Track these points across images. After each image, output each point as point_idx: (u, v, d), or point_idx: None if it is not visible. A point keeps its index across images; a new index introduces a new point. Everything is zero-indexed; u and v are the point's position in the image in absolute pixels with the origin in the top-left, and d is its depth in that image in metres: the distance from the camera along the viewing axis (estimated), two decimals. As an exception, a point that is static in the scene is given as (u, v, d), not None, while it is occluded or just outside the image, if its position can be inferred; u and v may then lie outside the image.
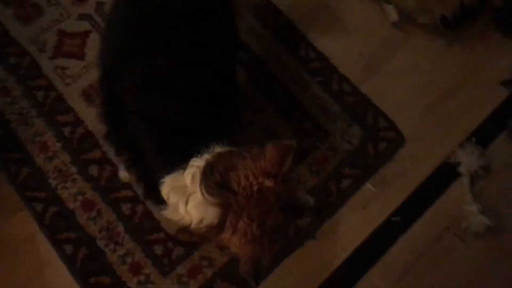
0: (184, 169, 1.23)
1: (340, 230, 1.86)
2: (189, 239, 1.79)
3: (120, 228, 1.79)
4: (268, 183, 1.17)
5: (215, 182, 1.19)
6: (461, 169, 1.92)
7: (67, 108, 1.93)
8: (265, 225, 1.16)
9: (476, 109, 2.04)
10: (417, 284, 1.81)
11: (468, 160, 1.91)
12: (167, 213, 1.31)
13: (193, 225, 1.23)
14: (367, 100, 2.02)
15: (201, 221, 1.20)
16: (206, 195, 1.17)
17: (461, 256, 1.85)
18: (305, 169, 1.90)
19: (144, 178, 1.40)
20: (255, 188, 1.17)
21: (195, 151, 1.24)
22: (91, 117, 1.89)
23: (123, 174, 1.78)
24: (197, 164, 1.22)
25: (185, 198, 1.22)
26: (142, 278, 1.74)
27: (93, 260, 1.75)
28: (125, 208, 1.82)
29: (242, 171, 1.19)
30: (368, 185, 1.91)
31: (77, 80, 1.98)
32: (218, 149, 1.25)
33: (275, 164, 1.18)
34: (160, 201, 1.31)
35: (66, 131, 1.90)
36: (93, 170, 1.86)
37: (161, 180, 1.26)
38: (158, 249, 1.78)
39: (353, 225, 1.87)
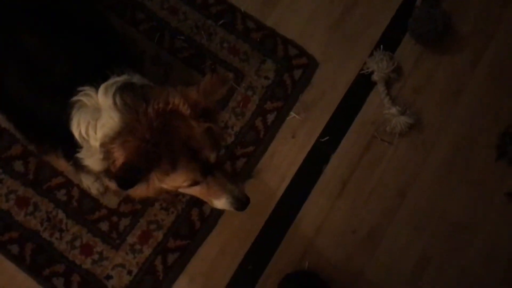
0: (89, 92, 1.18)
1: (275, 163, 1.91)
2: (131, 208, 1.80)
3: (61, 215, 1.78)
4: (184, 110, 1.12)
5: (135, 93, 1.16)
6: (375, 77, 1.99)
7: (-27, 111, 1.85)
8: (161, 143, 1.10)
9: (376, 19, 2.10)
10: (358, 192, 1.91)
11: (380, 67, 1.97)
12: (83, 157, 1.21)
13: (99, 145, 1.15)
14: (273, 32, 2.04)
15: (106, 136, 1.13)
16: (118, 98, 1.13)
17: (392, 157, 1.95)
18: (229, 114, 1.92)
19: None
20: (169, 107, 1.12)
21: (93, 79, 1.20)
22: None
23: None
24: (110, 82, 1.18)
25: (94, 121, 1.15)
26: (95, 257, 1.76)
27: (42, 253, 1.75)
28: (61, 194, 1.80)
29: (165, 92, 1.15)
30: (292, 114, 1.96)
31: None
32: (126, 76, 1.22)
33: (203, 94, 1.15)
34: (69, 154, 1.28)
35: (-21, 134, 1.84)
36: (18, 166, 1.81)
37: (70, 118, 1.19)
38: (104, 226, 1.78)
39: (286, 155, 1.92)
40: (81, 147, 1.19)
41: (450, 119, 2.02)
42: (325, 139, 1.94)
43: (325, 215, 1.88)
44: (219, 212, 1.82)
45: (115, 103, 1.13)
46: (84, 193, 1.80)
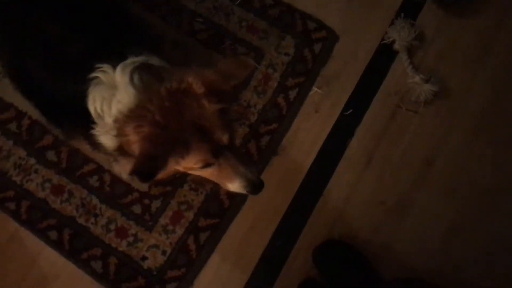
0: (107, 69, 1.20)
1: (300, 139, 1.92)
2: (162, 190, 1.84)
3: (95, 201, 1.84)
4: (197, 88, 1.12)
5: (152, 73, 1.17)
6: (397, 46, 1.96)
7: (5, 105, 1.92)
8: (172, 123, 1.09)
9: (395, -14, 2.05)
10: (384, 164, 1.90)
11: (401, 36, 1.94)
12: (98, 134, 1.23)
13: (111, 122, 1.16)
14: (290, 7, 2.02)
15: (119, 112, 1.14)
16: (136, 76, 1.15)
17: (417, 126, 1.93)
18: (251, 93, 1.93)
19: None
20: (183, 86, 1.12)
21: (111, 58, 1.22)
22: (31, 106, 1.88)
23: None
24: (128, 61, 1.20)
25: (109, 97, 1.17)
26: (130, 239, 1.81)
27: (80, 238, 1.82)
28: (93, 181, 1.86)
29: (180, 72, 1.16)
30: (315, 88, 1.95)
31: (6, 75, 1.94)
32: (144, 57, 1.24)
33: (221, 76, 1.14)
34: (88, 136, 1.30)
35: (13, 126, 1.90)
36: (51, 155, 1.88)
37: (86, 94, 1.21)
38: (137, 209, 1.84)
39: (310, 130, 1.93)
40: (96, 124, 1.21)
41: (476, 83, 1.98)
42: (349, 112, 1.94)
43: (352, 187, 1.88)
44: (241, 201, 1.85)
45: (131, 81, 1.15)
46: (116, 178, 1.86)
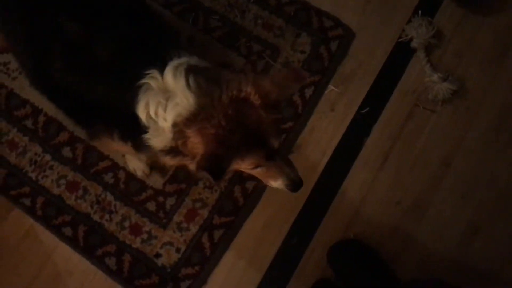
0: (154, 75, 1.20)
1: (315, 137, 1.90)
2: (176, 187, 1.84)
3: (110, 198, 1.84)
4: (255, 99, 1.15)
5: (205, 76, 1.18)
6: (414, 44, 1.94)
7: (22, 101, 1.93)
8: (236, 130, 1.14)
9: (413, -18, 2.03)
10: (401, 163, 1.88)
11: (419, 33, 1.92)
12: (150, 137, 1.23)
13: (168, 132, 1.17)
14: (306, 4, 2.01)
15: (179, 116, 1.14)
16: (192, 80, 1.15)
17: (435, 126, 1.91)
18: (266, 90, 1.92)
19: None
20: (242, 95, 1.15)
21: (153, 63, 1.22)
22: (47, 103, 1.88)
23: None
24: (174, 64, 1.19)
25: (165, 101, 1.16)
26: (144, 236, 1.81)
27: (94, 234, 1.82)
28: (108, 178, 1.86)
29: (237, 79, 1.18)
30: (331, 87, 1.94)
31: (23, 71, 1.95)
32: (186, 58, 1.24)
33: (276, 86, 1.16)
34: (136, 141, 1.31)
35: (29, 123, 1.91)
36: (67, 152, 1.88)
37: (136, 101, 1.20)
38: (151, 206, 1.83)
39: (326, 129, 1.91)
40: (147, 128, 1.21)
41: (495, 83, 1.95)
42: (365, 110, 1.92)
43: (368, 187, 1.86)
44: (262, 188, 1.84)
45: (188, 85, 1.15)
46: (130, 175, 1.85)
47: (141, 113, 1.20)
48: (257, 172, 1.29)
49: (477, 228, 1.81)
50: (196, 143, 1.13)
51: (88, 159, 1.88)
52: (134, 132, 1.25)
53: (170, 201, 1.83)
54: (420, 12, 1.97)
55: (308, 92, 1.93)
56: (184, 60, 1.21)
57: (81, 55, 1.28)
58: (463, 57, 1.96)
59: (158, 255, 1.79)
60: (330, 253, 1.78)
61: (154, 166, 1.83)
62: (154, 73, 1.18)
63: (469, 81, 1.93)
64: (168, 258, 1.78)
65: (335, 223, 1.84)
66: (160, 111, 1.16)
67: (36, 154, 1.88)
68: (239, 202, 1.82)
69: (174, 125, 1.15)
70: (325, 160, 1.89)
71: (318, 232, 1.83)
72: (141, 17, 1.42)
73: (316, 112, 1.92)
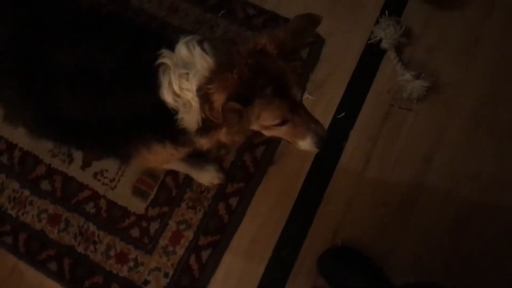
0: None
1: (295, 146, 1.88)
2: (159, 211, 1.81)
3: (93, 228, 1.82)
4: (271, 49, 1.15)
5: (219, 40, 1.20)
6: (384, 44, 1.94)
7: (-5, 138, 1.91)
8: (259, 77, 1.13)
9: (377, -17, 2.04)
10: (382, 164, 1.87)
11: (387, 34, 1.92)
12: (182, 117, 1.20)
13: (196, 91, 1.15)
14: (274, 15, 2.01)
15: (202, 78, 1.14)
16: (207, 45, 1.15)
17: (412, 124, 1.90)
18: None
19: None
20: (258, 47, 1.15)
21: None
22: (22, 137, 1.88)
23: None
24: (184, 40, 1.18)
25: (186, 72, 1.16)
26: (131, 264, 1.78)
27: (80, 266, 1.79)
28: (89, 207, 1.84)
29: (252, 36, 1.19)
30: (305, 95, 1.93)
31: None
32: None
33: (291, 34, 1.17)
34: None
35: (4, 159, 1.89)
36: (45, 185, 1.86)
37: (158, 85, 1.18)
38: (135, 232, 1.81)
39: (305, 137, 1.89)
40: (176, 111, 1.19)
41: (469, 74, 1.95)
42: (342, 115, 1.91)
43: (353, 191, 1.85)
44: (246, 203, 1.82)
45: (204, 50, 1.15)
46: (112, 203, 1.83)
47: (167, 94, 1.18)
48: (284, 132, 1.25)
49: (465, 223, 1.80)
50: (220, 94, 1.10)
51: (68, 190, 1.86)
52: (169, 127, 1.23)
53: (154, 226, 1.81)
54: (387, 12, 1.98)
55: (283, 102, 1.91)
56: (191, 36, 1.20)
57: (85, 80, 1.26)
58: (434, 52, 1.96)
59: (146, 282, 1.76)
60: (320, 262, 1.76)
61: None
62: (166, 52, 1.18)
63: (443, 75, 1.93)
64: (157, 284, 1.76)
65: (323, 230, 1.82)
66: (184, 83, 1.16)
67: (14, 190, 1.86)
68: (224, 219, 1.80)
69: (198, 89, 1.14)
70: (307, 167, 1.88)
71: (307, 242, 1.81)
72: (127, 27, 1.40)
73: (293, 121, 1.91)
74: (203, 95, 1.13)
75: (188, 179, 1.83)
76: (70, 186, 1.86)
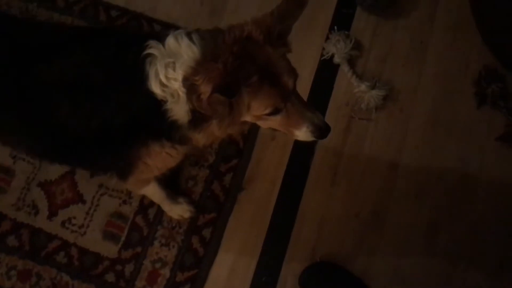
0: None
1: (262, 169, 1.90)
2: (132, 252, 1.78)
3: (66, 278, 1.77)
4: (257, 35, 1.12)
5: (207, 31, 1.16)
6: (336, 59, 1.98)
7: (-45, 199, 1.84)
8: (245, 65, 1.09)
9: (324, 1, 2.10)
10: (350, 176, 1.89)
11: (338, 48, 1.96)
12: (171, 107, 1.17)
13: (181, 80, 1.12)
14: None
15: (188, 68, 1.11)
16: (195, 36, 1.13)
17: (374, 133, 1.94)
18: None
19: None
20: (244, 34, 1.12)
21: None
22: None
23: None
24: (174, 33, 1.16)
25: (172, 61, 1.13)
26: (110, 310, 1.73)
27: (57, 320, 1.73)
28: (60, 258, 1.79)
29: (238, 24, 1.15)
30: (266, 117, 1.93)
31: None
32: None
33: (277, 18, 1.14)
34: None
35: (-34, 220, 1.82)
36: (12, 240, 1.80)
37: (145, 76, 1.15)
38: (110, 277, 1.76)
39: (271, 159, 1.91)
40: (165, 102, 1.16)
41: (422, 78, 2.00)
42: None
43: (325, 206, 1.86)
44: (220, 233, 1.81)
45: (191, 40, 1.12)
46: (83, 250, 1.79)
47: (154, 85, 1.14)
48: (278, 122, 1.22)
49: (438, 224, 1.83)
50: (206, 85, 1.06)
51: (36, 243, 1.80)
52: (161, 122, 1.19)
53: (129, 268, 1.77)
54: (335, 27, 2.02)
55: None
56: (181, 30, 1.18)
57: (81, 89, 1.22)
58: (386, 61, 2.01)
59: (127, 326, 1.71)
60: (301, 281, 1.75)
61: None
62: (154, 43, 1.15)
63: (397, 83, 1.97)
64: (138, 327, 1.71)
65: (300, 250, 1.81)
66: (170, 72, 1.13)
67: (-21, 250, 1.79)
68: (199, 252, 1.78)
69: (184, 80, 1.11)
70: (277, 189, 1.88)
71: (286, 263, 1.80)
72: (113, 33, 1.39)
73: (257, 145, 1.92)
74: (190, 86, 1.10)
75: (159, 216, 1.81)
76: (38, 238, 1.81)
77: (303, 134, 1.24)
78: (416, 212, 1.85)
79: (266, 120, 1.21)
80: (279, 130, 1.27)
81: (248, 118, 1.20)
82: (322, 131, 1.23)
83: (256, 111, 1.16)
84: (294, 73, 1.19)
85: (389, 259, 1.80)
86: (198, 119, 1.17)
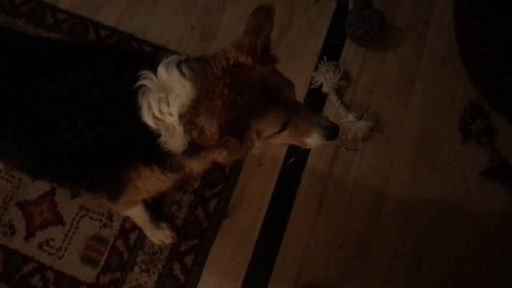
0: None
1: (248, 196, 1.88)
2: (111, 277, 1.73)
3: (41, 302, 1.70)
4: (244, 60, 1.11)
5: (196, 61, 1.15)
6: (325, 89, 1.99)
7: None
8: (242, 92, 1.08)
9: (314, 31, 2.13)
10: (335, 206, 1.89)
11: (327, 78, 1.98)
12: (166, 140, 1.15)
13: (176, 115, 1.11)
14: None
15: (182, 106, 1.10)
16: (185, 68, 1.11)
17: (360, 163, 1.94)
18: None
19: None
20: (231, 62, 1.11)
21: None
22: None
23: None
24: (165, 61, 1.15)
25: (165, 96, 1.11)
26: (85, 337, 1.67)
27: None
28: (35, 281, 1.74)
29: (221, 51, 1.14)
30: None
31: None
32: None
33: (253, 35, 1.13)
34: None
35: None
36: (-15, 262, 1.74)
37: (138, 107, 1.13)
38: (88, 303, 1.71)
39: (257, 185, 1.90)
40: (159, 135, 1.14)
41: (408, 111, 2.03)
42: (291, 160, 1.92)
43: (309, 235, 1.85)
44: (202, 260, 1.77)
45: (182, 73, 1.11)
46: (60, 274, 1.74)
47: (147, 117, 1.12)
48: (288, 136, 1.20)
49: (421, 256, 1.83)
50: (211, 125, 1.04)
51: (11, 265, 1.76)
52: (154, 150, 1.17)
53: (107, 293, 1.72)
54: (325, 57, 2.04)
55: (232, 152, 1.90)
56: (173, 57, 1.17)
57: (78, 105, 1.20)
58: (373, 92, 2.03)
59: None
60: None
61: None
62: (147, 73, 1.14)
63: (384, 114, 1.99)
64: None
65: (284, 279, 1.80)
66: (164, 107, 1.11)
67: (-49, 272, 1.72)
68: (181, 280, 1.74)
69: (181, 116, 1.09)
70: (262, 216, 1.86)
71: (268, 292, 1.77)
72: (110, 51, 1.38)
73: (244, 171, 1.91)
74: (189, 122, 1.09)
75: (140, 241, 1.77)
76: (14, 260, 1.76)
77: (314, 140, 1.23)
78: (400, 243, 1.85)
79: (276, 137, 1.20)
80: (290, 143, 1.26)
81: (259, 142, 1.20)
82: (332, 132, 1.22)
83: (265, 133, 1.16)
84: (291, 84, 1.18)
85: (372, 289, 1.79)
86: (195, 148, 1.15)
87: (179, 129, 1.12)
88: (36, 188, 1.84)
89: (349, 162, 1.94)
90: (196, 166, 1.24)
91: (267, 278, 1.79)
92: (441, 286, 1.80)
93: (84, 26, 2.09)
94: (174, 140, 1.15)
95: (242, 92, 1.08)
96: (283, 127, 1.17)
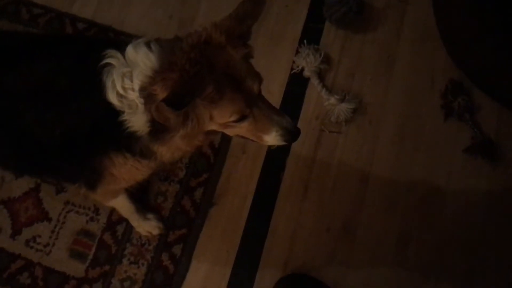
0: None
1: (233, 183, 1.88)
2: (100, 271, 1.73)
3: (30, 300, 1.70)
4: (217, 36, 1.09)
5: (166, 40, 1.14)
6: (306, 73, 1.99)
7: None
8: (202, 71, 1.05)
9: (293, 16, 2.12)
10: (321, 189, 1.90)
11: (308, 62, 1.98)
12: (128, 118, 1.14)
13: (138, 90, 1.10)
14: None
15: (145, 78, 1.09)
16: (154, 45, 1.10)
17: (344, 146, 1.95)
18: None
19: None
20: (202, 38, 1.09)
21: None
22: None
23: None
24: (134, 42, 1.13)
25: (129, 71, 1.11)
26: (76, 331, 1.68)
27: None
28: (24, 278, 1.73)
29: (197, 31, 1.13)
30: (238, 129, 1.92)
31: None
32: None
33: (237, 19, 1.11)
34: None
35: None
36: (-28, 262, 1.73)
37: (103, 86, 1.12)
38: (77, 297, 1.71)
39: (242, 173, 1.90)
40: (123, 111, 1.13)
41: (390, 91, 2.03)
42: (275, 146, 1.91)
43: (296, 220, 1.85)
44: (190, 249, 1.78)
45: (150, 49, 1.09)
46: (48, 270, 1.73)
47: (111, 95, 1.11)
48: (245, 128, 1.18)
49: (408, 237, 1.84)
50: (162, 95, 1.03)
51: (-2, 264, 1.73)
52: (121, 133, 1.15)
53: (97, 286, 1.72)
54: (305, 41, 2.04)
55: (217, 140, 1.90)
56: (144, 38, 1.15)
57: (46, 96, 1.19)
58: (355, 75, 2.03)
59: None
60: (275, 293, 1.73)
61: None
62: (112, 52, 1.12)
63: (366, 96, 2.00)
64: None
65: (273, 264, 1.80)
66: (127, 82, 1.10)
67: None
68: (170, 270, 1.75)
69: (141, 89, 1.08)
70: (248, 203, 1.87)
71: (258, 278, 1.79)
72: (76, 39, 1.40)
73: (228, 158, 1.91)
74: (147, 95, 1.07)
75: (128, 233, 1.77)
76: (1, 258, 1.75)
77: (272, 138, 1.21)
78: (386, 224, 1.86)
79: (233, 127, 1.18)
80: (248, 137, 1.24)
81: (214, 127, 1.18)
82: (291, 134, 1.21)
83: (220, 119, 1.13)
84: (258, 77, 1.16)
85: (360, 272, 1.81)
86: (158, 130, 1.14)
87: (140, 106, 1.10)
88: (20, 185, 1.82)
89: (333, 145, 1.94)
90: (164, 152, 1.22)
91: (256, 265, 1.80)
92: (428, 265, 1.81)
93: (60, 20, 2.06)
94: (137, 118, 1.13)
95: (201, 72, 1.05)
96: (241, 118, 1.15)
